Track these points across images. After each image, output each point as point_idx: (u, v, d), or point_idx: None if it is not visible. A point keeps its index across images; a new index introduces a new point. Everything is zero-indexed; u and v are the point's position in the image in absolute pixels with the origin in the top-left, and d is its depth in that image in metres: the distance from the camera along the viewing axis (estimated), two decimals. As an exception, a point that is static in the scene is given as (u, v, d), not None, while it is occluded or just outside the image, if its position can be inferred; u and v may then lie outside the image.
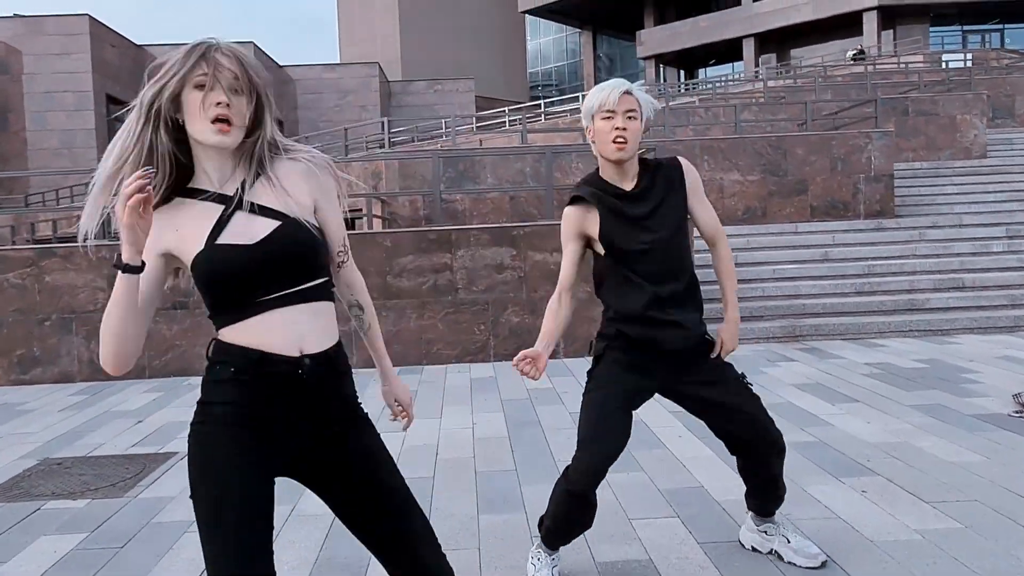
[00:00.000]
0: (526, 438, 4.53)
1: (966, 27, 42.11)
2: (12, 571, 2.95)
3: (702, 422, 2.67)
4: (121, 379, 6.88)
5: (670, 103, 17.47)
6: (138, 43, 29.63)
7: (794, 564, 2.67)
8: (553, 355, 7.00)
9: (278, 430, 1.52)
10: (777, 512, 2.79)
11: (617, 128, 2.38)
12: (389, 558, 1.63)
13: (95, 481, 4.01)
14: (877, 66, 26.69)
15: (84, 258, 6.91)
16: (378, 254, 7.09)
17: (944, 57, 28.73)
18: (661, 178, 2.48)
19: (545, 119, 21.32)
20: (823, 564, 2.66)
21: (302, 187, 1.60)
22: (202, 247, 1.48)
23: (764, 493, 2.71)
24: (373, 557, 1.69)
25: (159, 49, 30.14)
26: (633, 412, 2.53)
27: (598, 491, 2.56)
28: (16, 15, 28.43)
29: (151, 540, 3.21)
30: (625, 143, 2.38)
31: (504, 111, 23.52)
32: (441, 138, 22.30)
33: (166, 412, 5.58)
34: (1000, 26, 42.23)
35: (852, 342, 7.30)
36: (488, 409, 5.33)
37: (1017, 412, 4.54)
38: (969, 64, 26.25)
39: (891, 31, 40.40)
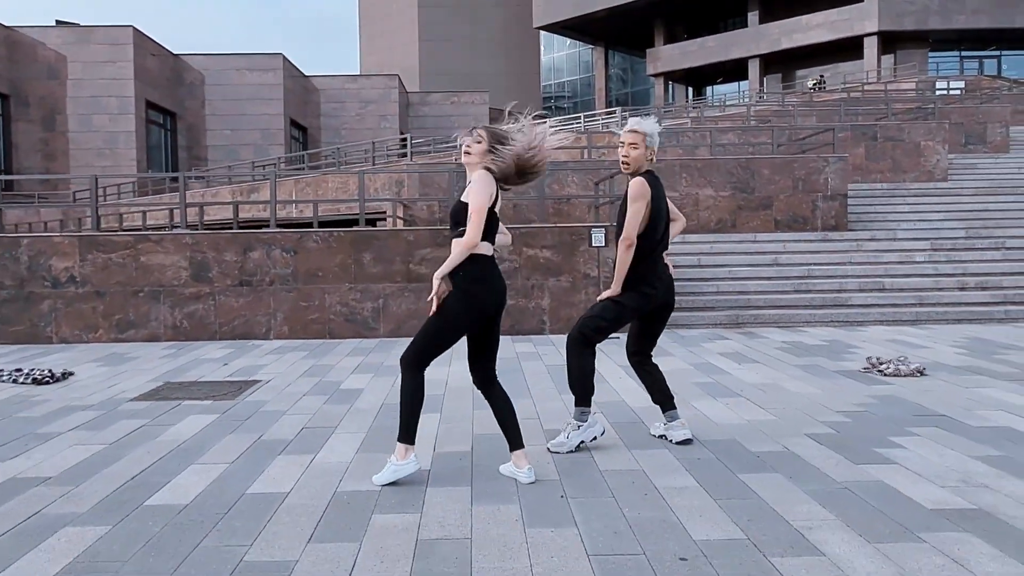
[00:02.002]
0: (511, 379, 6.28)
1: (964, 53, 43.67)
2: (182, 429, 4.75)
3: (637, 373, 4.38)
4: (196, 340, 8.71)
5: (663, 124, 19.21)
6: (175, 52, 31.59)
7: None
8: (539, 331, 8.79)
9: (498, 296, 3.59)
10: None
11: (622, 155, 4.11)
12: (483, 357, 3.68)
13: (211, 392, 5.81)
14: (866, 92, 28.45)
15: (172, 242, 8.75)
16: (402, 247, 8.88)
17: (937, 83, 30.40)
18: None
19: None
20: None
21: None
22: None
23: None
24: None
25: (194, 59, 32.18)
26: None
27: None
28: (59, 22, 30.52)
29: (263, 417, 5.00)
30: (626, 166, 4.09)
31: (515, 125, 25.27)
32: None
33: (243, 360, 7.39)
34: (997, 53, 43.80)
35: (783, 329, 9.04)
36: (485, 363, 7.09)
37: (865, 368, 6.28)
38: (956, 92, 27.89)
39: (891, 55, 42.05)
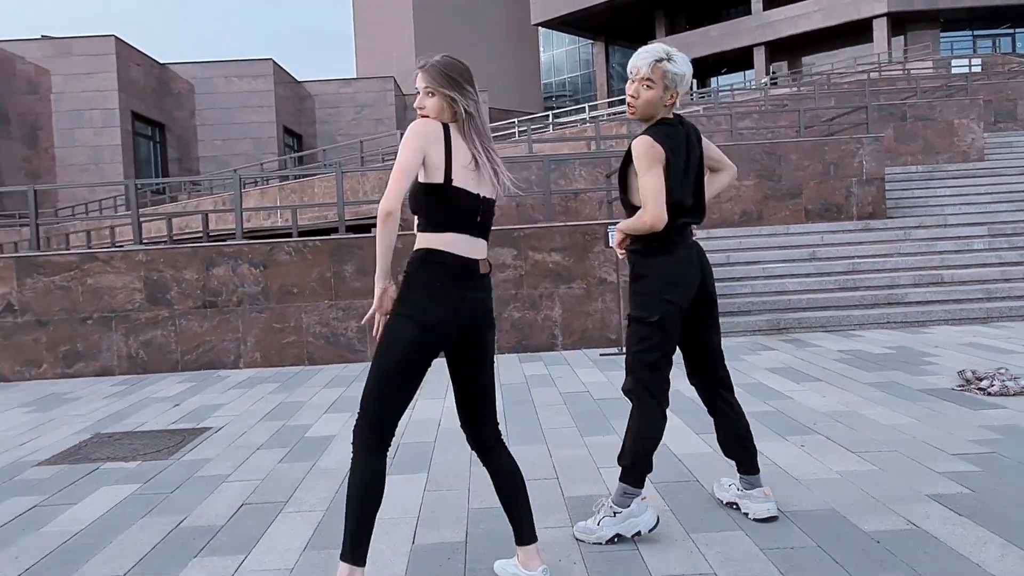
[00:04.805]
0: (518, 414, 5.08)
1: (976, 32, 42.27)
2: (83, 510, 3.56)
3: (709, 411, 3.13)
4: (155, 372, 7.54)
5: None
6: (161, 62, 30.52)
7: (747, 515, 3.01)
8: (551, 347, 7.59)
9: (457, 310, 2.49)
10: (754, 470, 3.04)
11: (629, 94, 2.83)
12: (473, 411, 2.56)
13: (143, 448, 4.63)
14: (883, 73, 27.13)
15: (123, 261, 7.58)
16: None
17: (953, 62, 29.09)
18: None
19: (553, 129, 21.92)
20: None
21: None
22: None
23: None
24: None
25: (181, 67, 31.11)
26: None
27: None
28: (44, 37, 29.48)
29: (195, 487, 3.81)
30: (633, 111, 2.83)
31: (514, 122, 24.14)
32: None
33: (200, 398, 6.20)
34: (1011, 30, 42.36)
35: (832, 333, 7.80)
36: (488, 391, 5.89)
37: (960, 386, 5.05)
38: (976, 69, 26.60)
39: (901, 37, 40.70)
